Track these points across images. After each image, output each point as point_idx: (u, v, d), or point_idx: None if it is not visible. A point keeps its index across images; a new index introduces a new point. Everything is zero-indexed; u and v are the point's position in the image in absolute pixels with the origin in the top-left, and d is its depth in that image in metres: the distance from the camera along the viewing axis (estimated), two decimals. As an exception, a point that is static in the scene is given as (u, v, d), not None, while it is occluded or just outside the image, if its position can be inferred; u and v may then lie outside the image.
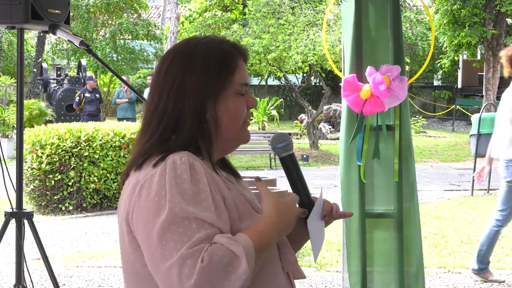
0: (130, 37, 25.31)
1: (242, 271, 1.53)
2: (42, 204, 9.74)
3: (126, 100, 17.75)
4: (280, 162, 1.87)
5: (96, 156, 9.65)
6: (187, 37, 2.03)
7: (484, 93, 22.15)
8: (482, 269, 6.09)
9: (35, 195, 9.71)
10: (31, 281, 4.15)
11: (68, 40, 3.87)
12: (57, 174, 9.51)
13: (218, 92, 1.76)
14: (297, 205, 1.81)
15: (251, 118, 24.27)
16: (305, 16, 17.56)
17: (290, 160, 1.85)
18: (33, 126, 10.85)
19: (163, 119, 1.74)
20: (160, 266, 1.56)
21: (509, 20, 22.68)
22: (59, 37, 6.82)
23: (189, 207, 1.59)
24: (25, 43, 7.52)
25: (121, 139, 9.84)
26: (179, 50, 1.80)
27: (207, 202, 1.62)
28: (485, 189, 12.10)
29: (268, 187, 1.77)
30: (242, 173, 1.95)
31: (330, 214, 1.93)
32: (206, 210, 1.60)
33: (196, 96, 1.74)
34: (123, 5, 25.68)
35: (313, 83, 24.98)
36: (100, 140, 9.69)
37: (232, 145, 1.84)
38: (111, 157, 9.75)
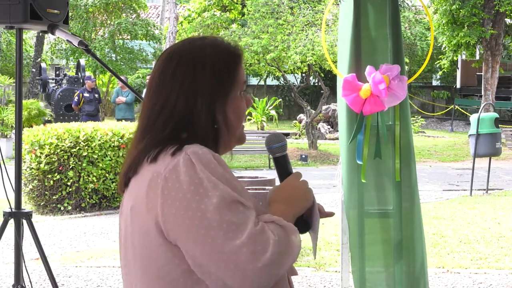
0: (129, 37, 25.27)
1: (298, 241, 1.71)
2: (41, 204, 9.73)
3: (123, 100, 17.70)
4: (273, 161, 1.91)
5: (95, 156, 9.65)
6: (186, 37, 2.04)
7: (483, 93, 22.14)
8: None
9: (34, 195, 9.70)
10: (30, 281, 4.14)
11: (67, 40, 3.86)
12: (56, 174, 9.50)
13: (228, 92, 1.79)
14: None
15: (250, 118, 24.27)
16: (304, 16, 17.55)
17: (284, 160, 1.89)
18: (32, 126, 10.83)
19: (173, 118, 1.75)
20: (226, 248, 1.60)
21: (508, 20, 22.67)
22: (58, 37, 6.81)
23: (231, 192, 1.66)
24: (23, 43, 7.52)
25: (120, 139, 9.84)
26: (185, 51, 1.81)
27: (239, 188, 1.70)
28: (484, 189, 12.11)
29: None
30: (241, 173, 1.97)
31: None
32: (241, 195, 1.68)
33: (207, 97, 1.76)
34: (122, 5, 25.64)
35: (312, 83, 24.96)
36: (99, 140, 9.69)
37: (233, 144, 1.87)
38: (110, 157, 9.75)
